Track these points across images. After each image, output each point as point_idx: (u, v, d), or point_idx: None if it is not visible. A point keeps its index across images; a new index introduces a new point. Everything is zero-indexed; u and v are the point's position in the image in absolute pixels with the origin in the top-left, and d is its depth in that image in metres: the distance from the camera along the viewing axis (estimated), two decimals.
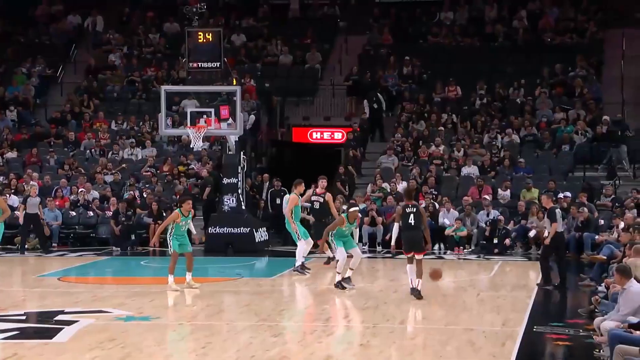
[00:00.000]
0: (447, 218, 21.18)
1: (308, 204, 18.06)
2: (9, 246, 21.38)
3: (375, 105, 26.01)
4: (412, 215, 13.63)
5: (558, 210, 15.46)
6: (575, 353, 10.63)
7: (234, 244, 20.15)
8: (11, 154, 25.23)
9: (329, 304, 13.98)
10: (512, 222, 20.98)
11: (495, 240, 20.47)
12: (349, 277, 14.58)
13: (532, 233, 19.69)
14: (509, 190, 22.33)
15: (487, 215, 21.13)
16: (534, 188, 21.84)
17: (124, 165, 24.20)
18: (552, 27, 28.28)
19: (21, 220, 20.51)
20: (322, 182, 17.59)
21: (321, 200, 17.52)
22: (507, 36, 28.37)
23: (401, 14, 29.82)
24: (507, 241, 20.30)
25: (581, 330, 11.38)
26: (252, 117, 25.07)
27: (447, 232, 20.89)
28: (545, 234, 15.35)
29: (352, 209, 14.85)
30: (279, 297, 14.45)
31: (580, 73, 26.39)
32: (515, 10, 28.95)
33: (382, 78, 27.07)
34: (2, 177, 23.66)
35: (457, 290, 15.43)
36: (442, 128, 25.28)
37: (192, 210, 15.23)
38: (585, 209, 20.10)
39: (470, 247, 20.81)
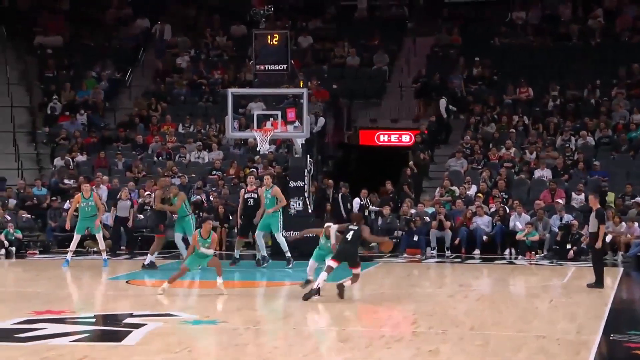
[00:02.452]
0: (519, 222, 20.71)
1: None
2: (79, 249, 21.68)
3: (451, 107, 25.74)
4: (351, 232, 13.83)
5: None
6: None
7: (300, 247, 19.99)
8: (81, 157, 25.56)
9: (396, 309, 13.73)
10: (586, 226, 20.38)
11: (569, 245, 19.93)
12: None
13: (608, 238, 19.08)
14: (583, 194, 21.74)
15: (560, 219, 20.60)
16: (610, 192, 21.22)
17: (193, 175, 24.16)
18: (630, 25, 27.50)
19: (111, 223, 20.72)
20: (251, 179, 18.65)
21: (255, 196, 18.13)
22: (581, 35, 27.68)
23: (470, 15, 29.37)
24: (574, 249, 19.68)
25: None
26: (322, 120, 24.93)
27: (519, 236, 20.42)
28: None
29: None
30: (345, 302, 14.23)
31: None
32: (590, 8, 28.25)
33: (447, 79, 26.68)
34: (72, 180, 23.97)
35: (529, 296, 15.07)
36: (513, 130, 24.78)
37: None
38: None
39: (542, 252, 20.30)
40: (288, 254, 17.88)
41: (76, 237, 18.51)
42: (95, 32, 30.83)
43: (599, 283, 15.22)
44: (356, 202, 22.10)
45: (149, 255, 18.01)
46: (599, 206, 15.57)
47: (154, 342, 10.72)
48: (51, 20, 31.00)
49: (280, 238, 17.96)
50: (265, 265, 17.92)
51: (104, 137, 26.63)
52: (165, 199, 18.18)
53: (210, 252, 14.59)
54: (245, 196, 18.37)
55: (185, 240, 18.33)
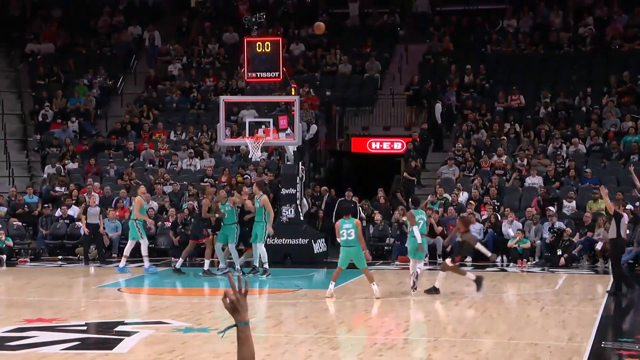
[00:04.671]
0: (510, 229, 20.73)
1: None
2: (70, 257, 21.64)
3: (445, 109, 25.79)
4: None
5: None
6: None
7: (292, 255, 19.98)
8: (72, 165, 25.47)
9: (388, 316, 13.72)
10: (577, 234, 20.44)
11: (559, 252, 19.96)
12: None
13: (599, 245, 19.15)
14: (574, 201, 21.79)
15: (552, 226, 20.63)
16: (601, 199, 21.24)
17: (184, 182, 24.06)
18: (620, 33, 27.61)
19: (84, 231, 20.63)
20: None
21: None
22: (572, 44, 27.79)
23: (462, 22, 29.44)
24: (565, 256, 19.70)
25: None
26: (314, 127, 24.92)
27: (510, 244, 20.44)
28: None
29: None
30: (338, 309, 14.24)
31: None
32: (581, 17, 28.35)
33: (442, 95, 26.62)
34: (63, 188, 23.91)
35: (520, 303, 15.07)
36: (505, 138, 24.81)
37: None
38: None
39: (534, 260, 20.32)
40: (266, 265, 17.67)
41: (144, 242, 18.65)
42: (87, 39, 30.77)
43: (619, 288, 15.18)
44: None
45: (206, 261, 18.12)
46: (618, 210, 15.52)
47: (145, 350, 10.70)
48: (43, 28, 30.95)
49: (262, 249, 17.82)
50: (259, 275, 17.79)
51: (95, 145, 26.55)
52: (211, 207, 18.22)
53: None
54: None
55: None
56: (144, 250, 18.57)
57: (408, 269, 19.75)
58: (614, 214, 15.38)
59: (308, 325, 12.66)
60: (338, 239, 14.88)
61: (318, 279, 18.40)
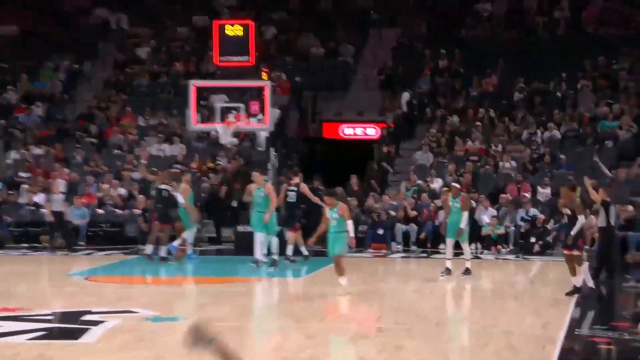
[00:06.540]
0: (485, 216, 20.59)
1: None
2: (35, 244, 21.22)
3: (415, 101, 25.53)
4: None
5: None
6: (619, 357, 10.16)
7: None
8: (38, 150, 24.93)
9: (362, 304, 13.55)
10: (552, 220, 20.33)
11: (533, 239, 19.86)
12: None
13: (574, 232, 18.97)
14: (549, 187, 21.67)
15: (527, 213, 20.52)
16: (578, 187, 21.13)
17: (154, 168, 23.57)
18: (596, 18, 27.50)
19: (49, 218, 20.18)
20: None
21: (295, 189, 17.68)
22: (547, 28, 27.65)
23: (436, 6, 29.20)
24: (540, 243, 19.56)
25: (626, 334, 10.82)
26: (277, 112, 24.49)
27: (485, 231, 20.29)
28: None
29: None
30: (310, 298, 14.02)
31: (625, 66, 25.58)
32: (556, 1, 28.22)
33: (415, 83, 26.38)
34: (28, 174, 23.42)
35: (495, 291, 14.94)
36: (479, 123, 24.63)
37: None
38: (630, 207, 19.45)
39: (508, 247, 20.20)
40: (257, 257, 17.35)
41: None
42: (52, 21, 30.15)
43: (612, 277, 15.14)
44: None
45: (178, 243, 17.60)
46: (605, 198, 15.26)
47: (113, 339, 10.46)
48: (6, 10, 30.27)
49: (261, 238, 17.52)
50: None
51: (61, 130, 26.02)
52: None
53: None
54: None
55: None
56: (190, 237, 18.01)
57: (382, 256, 19.62)
58: (602, 202, 15.23)
59: (281, 314, 12.46)
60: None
61: (290, 267, 18.13)
